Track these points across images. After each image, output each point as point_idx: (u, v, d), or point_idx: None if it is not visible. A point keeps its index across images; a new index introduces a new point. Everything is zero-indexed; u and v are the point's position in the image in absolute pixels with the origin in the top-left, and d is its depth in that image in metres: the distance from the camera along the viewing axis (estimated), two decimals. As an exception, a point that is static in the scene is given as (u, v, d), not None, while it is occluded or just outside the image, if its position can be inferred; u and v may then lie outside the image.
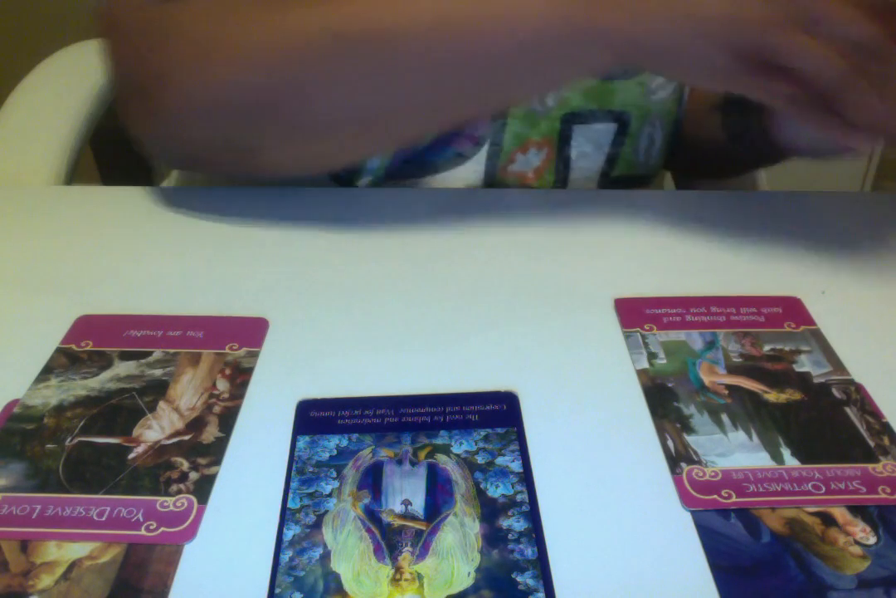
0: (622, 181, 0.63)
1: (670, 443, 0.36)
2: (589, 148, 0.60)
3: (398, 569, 0.30)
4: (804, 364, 0.41)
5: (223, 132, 0.47)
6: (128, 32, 0.48)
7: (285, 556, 0.31)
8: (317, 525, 0.32)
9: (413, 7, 0.43)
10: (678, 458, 0.35)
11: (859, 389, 0.39)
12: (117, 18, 0.49)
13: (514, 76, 0.45)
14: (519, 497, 0.33)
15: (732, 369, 0.41)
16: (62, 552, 0.31)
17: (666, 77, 0.58)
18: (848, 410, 0.38)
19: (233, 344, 0.42)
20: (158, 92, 0.47)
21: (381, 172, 0.57)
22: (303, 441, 0.36)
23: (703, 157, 0.68)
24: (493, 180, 0.59)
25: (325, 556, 0.31)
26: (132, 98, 0.49)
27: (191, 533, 0.32)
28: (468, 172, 0.58)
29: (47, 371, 0.40)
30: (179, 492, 0.34)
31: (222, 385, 0.39)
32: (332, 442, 0.36)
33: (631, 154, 0.62)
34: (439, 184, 0.58)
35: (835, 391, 0.39)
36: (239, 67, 0.45)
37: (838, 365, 0.41)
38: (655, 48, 0.41)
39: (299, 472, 0.34)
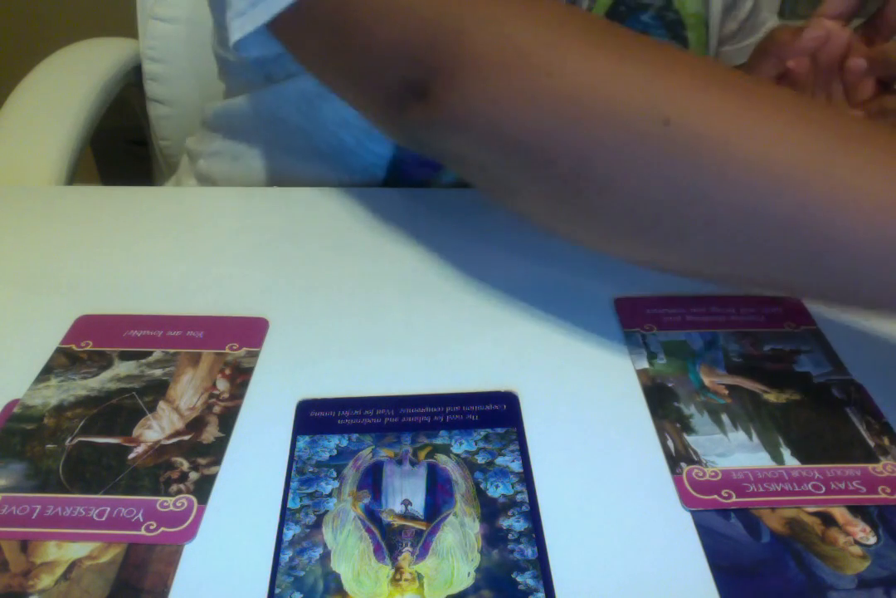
0: None
1: (670, 443, 0.36)
2: None
3: (398, 569, 0.30)
4: (804, 364, 0.41)
5: (481, 161, 0.39)
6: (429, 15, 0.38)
7: (285, 556, 0.31)
8: (317, 525, 0.32)
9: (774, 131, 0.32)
10: (678, 458, 0.35)
11: (859, 389, 0.39)
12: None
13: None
14: (519, 497, 0.33)
15: (732, 369, 0.41)
16: (62, 552, 0.31)
17: None
18: (848, 410, 0.38)
19: (233, 344, 0.42)
20: (457, 92, 0.37)
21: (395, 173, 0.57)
22: (303, 441, 0.36)
23: None
24: None
25: (325, 556, 0.31)
26: (421, 80, 0.39)
27: (191, 533, 0.32)
28: None
29: (47, 371, 0.40)
30: (179, 492, 0.34)
31: (222, 385, 0.39)
32: (332, 442, 0.36)
33: None
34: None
35: (835, 391, 0.39)
36: (537, 117, 0.35)
37: (838, 365, 0.41)
38: None
39: (299, 472, 0.34)
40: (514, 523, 0.32)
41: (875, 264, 0.31)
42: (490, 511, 0.33)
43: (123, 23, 0.87)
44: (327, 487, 0.34)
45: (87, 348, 0.41)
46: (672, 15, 0.57)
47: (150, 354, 0.41)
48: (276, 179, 0.59)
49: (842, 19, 0.49)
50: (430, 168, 0.57)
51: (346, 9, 0.40)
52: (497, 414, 0.37)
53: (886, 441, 0.36)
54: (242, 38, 0.45)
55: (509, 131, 0.36)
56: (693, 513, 0.33)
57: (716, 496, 0.34)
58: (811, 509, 0.33)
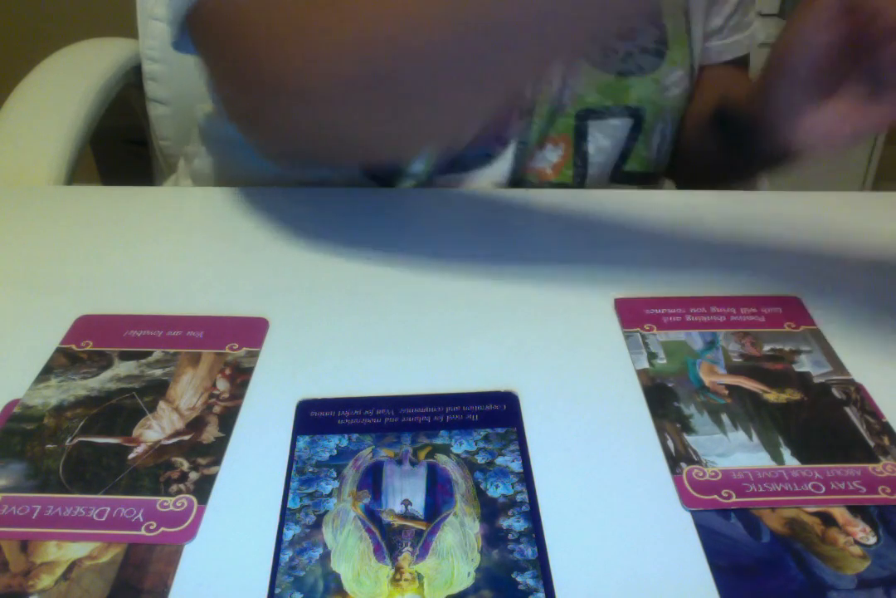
0: (633, 177, 0.64)
1: (670, 443, 0.36)
2: (606, 142, 0.61)
3: (398, 569, 0.30)
4: (804, 364, 0.41)
5: (335, 115, 0.43)
6: (243, 23, 0.44)
7: (285, 556, 0.31)
8: (317, 525, 0.32)
9: None
10: (678, 458, 0.35)
11: (859, 389, 0.39)
12: (231, 10, 0.44)
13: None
14: (519, 497, 0.33)
15: (732, 369, 0.41)
16: (62, 552, 0.31)
17: None
18: (848, 410, 0.38)
19: (233, 344, 0.42)
20: (284, 75, 0.42)
21: (423, 177, 0.58)
22: (303, 441, 0.36)
23: (702, 167, 0.69)
24: (517, 178, 0.60)
25: (325, 556, 0.31)
26: (243, 88, 0.46)
27: (191, 533, 0.32)
28: (495, 171, 0.59)
29: (47, 371, 0.40)
30: (179, 492, 0.34)
31: (222, 385, 0.39)
32: (332, 442, 0.36)
33: (644, 150, 0.63)
34: (467, 182, 0.59)
35: (835, 391, 0.39)
36: (358, 42, 0.40)
37: (838, 365, 0.41)
38: None
39: (299, 472, 0.34)
40: (514, 523, 0.32)
41: None
42: (490, 511, 0.33)
43: (123, 23, 0.87)
44: (327, 487, 0.34)
45: (87, 348, 0.41)
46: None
47: (150, 354, 0.41)
48: (270, 179, 0.59)
49: None
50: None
51: (222, 17, 0.45)
52: (497, 414, 0.37)
53: (886, 441, 0.36)
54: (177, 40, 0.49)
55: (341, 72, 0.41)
56: (693, 513, 0.33)
57: (716, 496, 0.34)
58: (811, 509, 0.33)
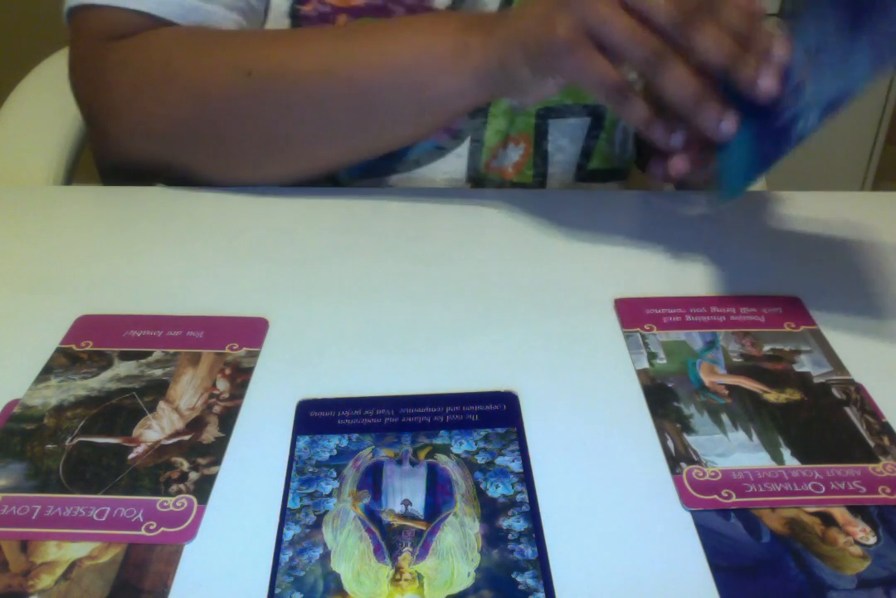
0: (598, 174, 0.64)
1: (670, 443, 0.36)
2: (565, 142, 0.62)
3: (398, 569, 0.30)
4: (804, 364, 0.41)
5: (161, 157, 0.54)
6: (84, 67, 0.54)
7: (285, 556, 0.31)
8: (317, 525, 0.32)
9: (313, 52, 0.50)
10: (678, 458, 0.35)
11: (859, 389, 0.39)
12: (77, 53, 0.54)
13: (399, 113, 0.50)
14: (519, 497, 0.33)
15: (732, 369, 0.41)
16: (62, 552, 0.31)
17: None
18: (848, 410, 0.38)
19: (233, 344, 0.42)
20: (105, 122, 0.54)
21: (354, 168, 0.58)
22: (303, 441, 0.36)
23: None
24: (476, 176, 0.60)
25: (325, 556, 0.31)
26: (89, 123, 0.57)
27: (191, 533, 0.32)
28: (450, 166, 0.59)
29: (47, 371, 0.40)
30: (179, 492, 0.34)
31: (222, 385, 0.39)
32: (333, 442, 0.36)
33: (606, 146, 0.63)
34: (421, 178, 0.59)
35: (835, 391, 0.39)
36: (169, 103, 0.52)
37: (838, 365, 0.41)
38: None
39: (299, 472, 0.34)
40: (514, 523, 0.32)
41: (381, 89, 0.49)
42: (490, 511, 0.33)
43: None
44: (327, 487, 0.34)
45: (87, 348, 0.41)
46: None
47: (150, 354, 0.41)
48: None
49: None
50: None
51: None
52: (497, 414, 0.37)
53: (886, 441, 0.36)
54: None
55: (159, 129, 0.53)
56: (693, 513, 0.33)
57: (716, 496, 0.34)
58: (811, 509, 0.33)
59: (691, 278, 0.48)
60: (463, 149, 0.59)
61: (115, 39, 0.52)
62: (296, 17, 0.55)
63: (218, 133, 0.53)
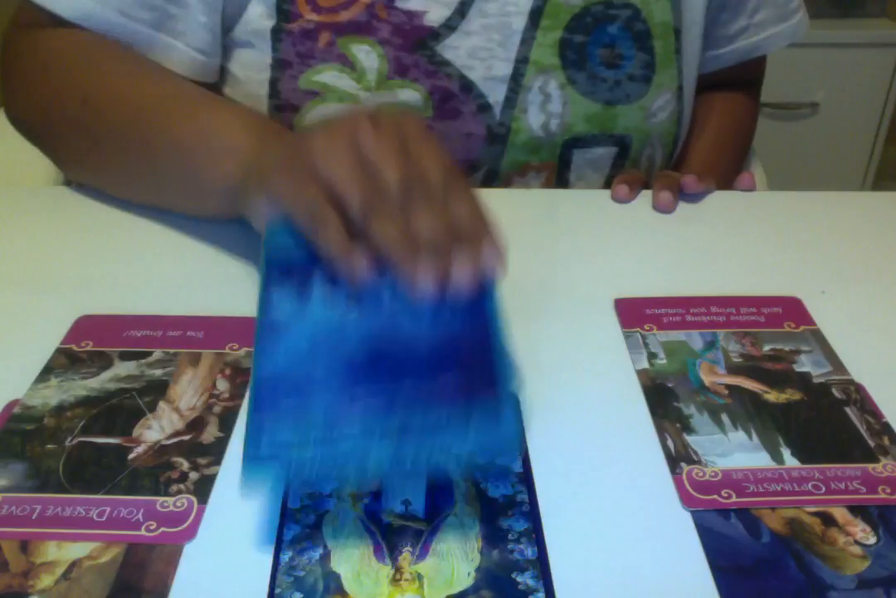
0: None
1: (670, 443, 0.36)
2: (588, 171, 0.61)
3: (398, 569, 0.30)
4: (804, 364, 0.41)
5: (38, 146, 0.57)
6: (3, 46, 0.56)
7: (285, 556, 0.31)
8: (317, 525, 0.32)
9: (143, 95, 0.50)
10: (678, 458, 0.35)
11: (859, 389, 0.39)
12: (5, 33, 0.56)
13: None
14: (519, 497, 0.33)
15: (732, 369, 0.41)
16: (62, 552, 0.31)
17: None
18: (848, 410, 0.38)
19: (233, 344, 0.42)
20: (5, 101, 0.56)
21: None
22: (303, 441, 0.36)
23: None
24: None
25: (325, 556, 0.31)
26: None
27: (191, 533, 0.32)
28: None
29: (47, 371, 0.40)
30: (179, 492, 0.34)
31: (222, 385, 0.39)
32: (332, 442, 0.36)
33: None
34: None
35: (835, 391, 0.39)
36: (36, 104, 0.54)
37: (838, 365, 0.41)
38: None
39: (299, 472, 0.34)
40: (514, 523, 0.32)
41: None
42: (490, 511, 0.33)
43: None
44: (327, 487, 0.34)
45: (87, 349, 0.41)
46: (640, 25, 0.58)
47: (150, 354, 0.41)
48: None
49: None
50: None
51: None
52: (497, 414, 0.37)
53: (886, 441, 0.36)
54: None
55: (25, 127, 0.56)
56: (693, 513, 0.33)
57: (716, 496, 0.34)
58: (811, 509, 0.33)
59: (691, 278, 0.48)
60: (475, 178, 0.59)
61: (41, 27, 0.53)
62: (278, 32, 0.54)
63: (71, 144, 0.53)
